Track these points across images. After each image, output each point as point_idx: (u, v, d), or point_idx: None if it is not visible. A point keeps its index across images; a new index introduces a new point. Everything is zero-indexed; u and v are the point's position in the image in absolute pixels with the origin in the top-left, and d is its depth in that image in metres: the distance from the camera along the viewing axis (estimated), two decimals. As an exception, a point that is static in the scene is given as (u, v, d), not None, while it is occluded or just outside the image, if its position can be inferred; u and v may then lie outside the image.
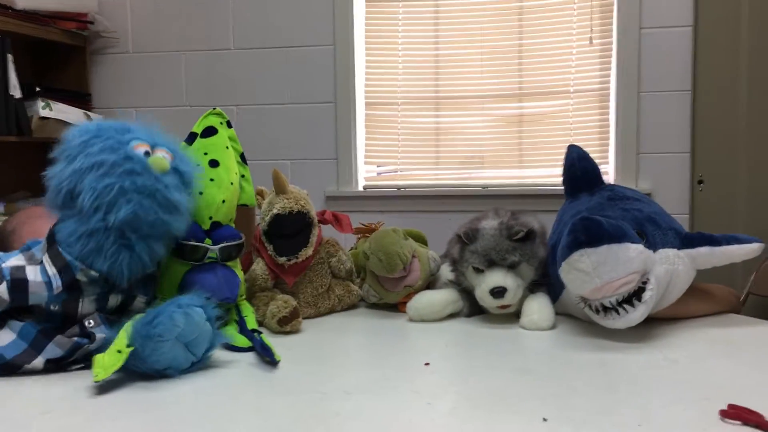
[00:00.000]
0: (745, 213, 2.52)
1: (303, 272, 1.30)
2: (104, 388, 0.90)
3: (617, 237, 1.03)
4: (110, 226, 0.93)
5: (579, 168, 1.31)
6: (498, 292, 1.19)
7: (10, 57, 2.48)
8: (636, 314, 1.05)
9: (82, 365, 0.97)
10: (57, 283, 0.94)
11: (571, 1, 2.72)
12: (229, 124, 1.26)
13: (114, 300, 1.01)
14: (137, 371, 0.92)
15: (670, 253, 1.12)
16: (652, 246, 1.11)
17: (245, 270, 1.29)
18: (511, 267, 1.20)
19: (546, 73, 2.76)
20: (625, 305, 1.05)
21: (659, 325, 1.18)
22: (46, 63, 2.96)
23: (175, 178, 1.01)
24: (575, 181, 1.32)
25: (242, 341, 1.08)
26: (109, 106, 3.02)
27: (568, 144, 1.37)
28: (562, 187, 1.35)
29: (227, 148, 1.22)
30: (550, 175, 2.77)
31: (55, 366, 0.96)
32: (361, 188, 2.91)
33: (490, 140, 2.82)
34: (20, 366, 0.94)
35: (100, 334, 0.97)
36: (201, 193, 1.13)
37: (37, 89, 2.66)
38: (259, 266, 1.28)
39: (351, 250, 1.50)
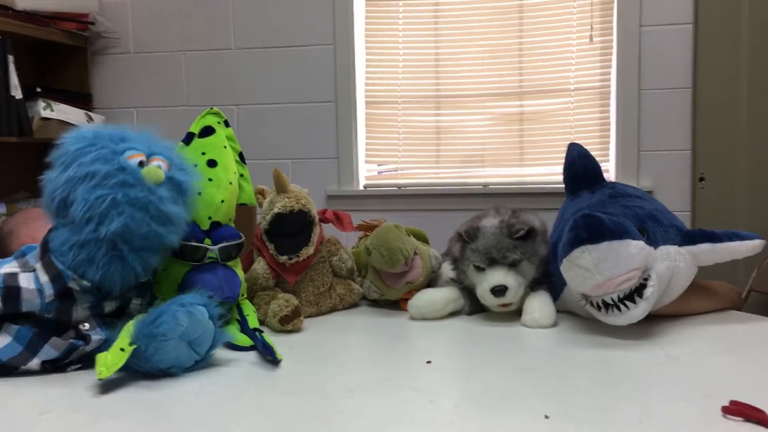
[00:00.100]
0: (746, 210, 2.52)
1: (304, 271, 1.30)
2: (105, 387, 0.90)
3: (618, 234, 1.03)
4: (102, 237, 0.93)
5: (580, 166, 1.31)
6: (499, 290, 1.19)
7: (10, 58, 2.48)
8: (637, 311, 1.05)
9: (80, 366, 0.98)
10: (49, 291, 0.94)
11: (572, -1, 2.72)
12: (226, 124, 1.26)
13: (109, 306, 1.01)
14: (141, 371, 0.92)
15: (671, 249, 1.12)
16: (654, 243, 1.11)
17: (246, 269, 1.29)
18: (512, 265, 1.20)
19: (546, 71, 2.76)
20: (626, 302, 1.05)
21: (660, 322, 1.18)
22: (46, 64, 2.95)
23: (171, 188, 1.00)
24: (576, 179, 1.32)
25: (244, 340, 1.08)
26: (110, 107, 3.02)
27: (568, 142, 1.37)
28: (563, 185, 1.35)
29: (225, 147, 1.22)
30: (551, 173, 2.77)
31: (51, 367, 0.96)
32: (361, 187, 2.90)
33: (490, 139, 2.82)
34: (16, 368, 0.94)
35: (95, 336, 0.97)
36: (199, 194, 1.13)
37: (38, 90, 2.66)
38: (260, 265, 1.28)
39: (353, 249, 1.50)
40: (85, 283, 0.95)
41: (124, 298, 1.02)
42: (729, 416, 0.76)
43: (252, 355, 1.04)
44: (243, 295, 1.21)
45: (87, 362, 0.97)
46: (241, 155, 1.29)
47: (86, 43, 2.95)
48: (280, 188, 1.28)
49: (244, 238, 1.17)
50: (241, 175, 1.27)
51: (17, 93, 2.52)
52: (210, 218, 1.14)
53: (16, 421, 0.79)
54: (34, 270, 0.96)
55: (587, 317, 1.21)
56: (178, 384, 0.91)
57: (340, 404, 0.82)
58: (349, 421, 0.77)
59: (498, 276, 1.19)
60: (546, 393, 0.85)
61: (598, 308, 1.08)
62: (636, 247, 1.04)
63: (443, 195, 2.80)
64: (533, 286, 1.25)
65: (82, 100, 2.91)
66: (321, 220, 1.35)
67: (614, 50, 2.67)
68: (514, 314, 1.24)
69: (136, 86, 3.01)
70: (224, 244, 1.13)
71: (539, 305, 1.20)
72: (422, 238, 1.47)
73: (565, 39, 2.74)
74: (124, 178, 0.94)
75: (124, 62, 3.02)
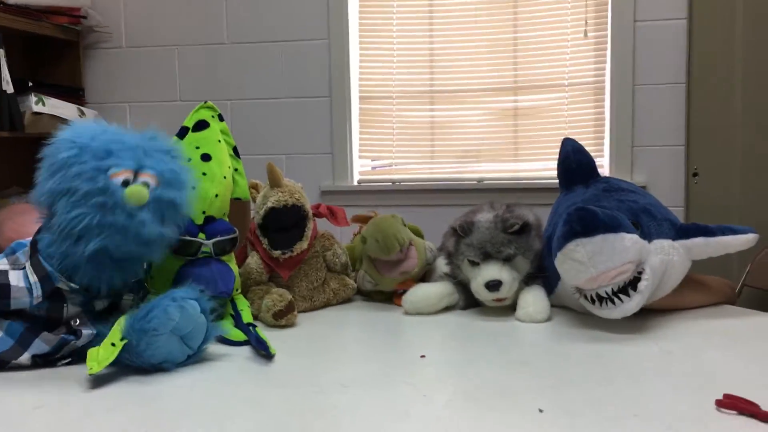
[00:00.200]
0: (739, 205, 2.52)
1: (298, 266, 1.30)
2: (98, 381, 0.89)
3: (612, 227, 1.03)
4: (81, 253, 0.91)
5: (574, 161, 1.31)
6: (493, 285, 1.19)
7: (1, 52, 2.47)
8: (631, 304, 1.05)
9: (70, 360, 0.97)
10: (38, 292, 0.94)
11: (566, -6, 2.72)
12: (220, 118, 1.26)
13: (100, 305, 1.00)
14: (133, 365, 0.92)
15: (665, 243, 1.13)
16: (647, 236, 1.11)
17: (240, 264, 1.29)
18: (507, 260, 1.20)
19: (541, 67, 2.76)
20: (620, 295, 1.05)
21: (655, 316, 1.18)
22: (38, 58, 2.94)
23: (156, 208, 0.95)
24: (570, 174, 1.32)
25: (237, 335, 1.08)
26: (103, 101, 3.01)
27: (563, 137, 1.37)
28: (557, 181, 1.35)
29: (219, 141, 1.21)
30: (546, 168, 2.77)
31: (42, 361, 0.95)
32: (356, 182, 2.90)
33: (485, 134, 2.82)
34: (7, 362, 0.94)
35: (87, 331, 0.97)
36: (194, 188, 1.12)
37: (30, 84, 2.65)
38: (253, 260, 1.28)
39: (347, 244, 1.50)
40: (72, 285, 0.94)
41: (116, 295, 1.02)
42: (723, 409, 0.76)
43: (245, 350, 1.04)
44: (237, 290, 1.21)
45: (78, 356, 0.97)
46: (235, 149, 1.28)
47: (78, 37, 2.93)
48: (274, 182, 1.27)
49: (238, 233, 1.17)
50: (236, 170, 1.26)
51: (8, 87, 2.50)
52: (204, 212, 1.13)
53: (9, 415, 0.79)
54: (24, 268, 0.95)
55: (581, 312, 1.21)
56: (170, 379, 0.90)
57: (335, 399, 0.82)
58: (343, 415, 0.77)
59: (492, 271, 1.19)
60: (540, 387, 0.85)
61: (592, 302, 1.08)
62: (630, 240, 1.04)
63: (438, 190, 2.80)
64: (527, 281, 1.24)
65: (75, 94, 2.90)
66: (315, 215, 1.34)
67: (609, 45, 2.67)
68: (509, 309, 1.24)
69: (129, 81, 3.00)
70: (218, 238, 1.13)
71: (533, 300, 1.20)
72: (417, 233, 1.46)
73: (559, 34, 2.73)
74: (104, 200, 0.91)
75: (117, 57, 3.00)
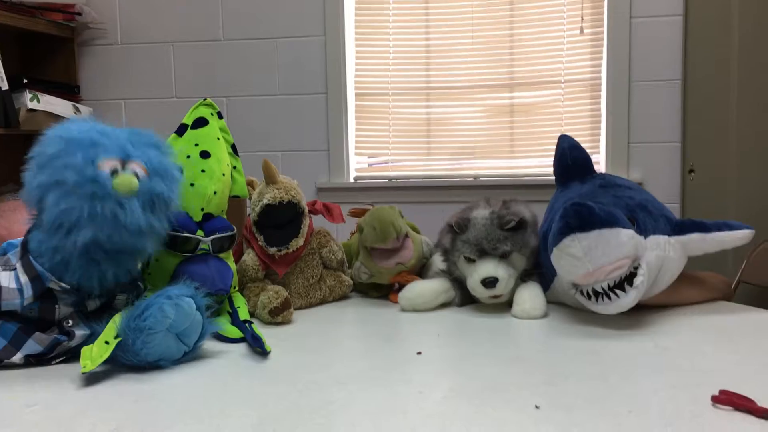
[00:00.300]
0: (735, 202, 2.53)
1: (294, 263, 1.30)
2: (92, 379, 0.89)
3: (608, 222, 1.03)
4: (72, 245, 0.91)
5: (570, 157, 1.31)
6: (490, 282, 1.19)
7: (-4, 48, 2.46)
8: (627, 299, 1.05)
9: (63, 359, 0.97)
10: (28, 293, 0.93)
11: (562, -9, 2.72)
12: (219, 115, 1.25)
13: (93, 304, 0.99)
14: (129, 363, 0.92)
15: (661, 239, 1.13)
16: (643, 232, 1.11)
17: (236, 261, 1.29)
18: (503, 256, 1.20)
19: (537, 63, 2.76)
20: (616, 290, 1.05)
21: (650, 312, 1.18)
22: (33, 55, 2.92)
23: (146, 197, 0.95)
24: (566, 171, 1.32)
25: (233, 332, 1.08)
26: (98, 99, 3.00)
27: (559, 134, 1.37)
28: (554, 177, 1.35)
29: (218, 139, 1.21)
30: (542, 164, 2.77)
31: (35, 361, 0.95)
32: (352, 179, 2.90)
33: (481, 130, 2.82)
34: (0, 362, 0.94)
35: (80, 332, 0.96)
36: (192, 185, 1.12)
37: (25, 81, 2.64)
38: (249, 257, 1.27)
39: (343, 242, 1.49)
40: (63, 284, 0.94)
41: (109, 295, 1.01)
42: (718, 405, 0.76)
43: (241, 347, 1.04)
44: (234, 287, 1.21)
45: (71, 355, 0.97)
46: (233, 147, 1.28)
47: (73, 33, 2.92)
48: (270, 179, 1.27)
49: (236, 230, 1.17)
50: (234, 167, 1.26)
51: (3, 84, 2.49)
52: (202, 209, 1.13)
53: (2, 413, 0.78)
54: (14, 269, 0.95)
55: (577, 308, 1.21)
56: (166, 376, 0.90)
57: (330, 395, 0.82)
58: (339, 411, 0.77)
59: (488, 267, 1.19)
60: (536, 383, 0.85)
61: (588, 297, 1.08)
62: (626, 235, 1.04)
63: (434, 187, 2.80)
64: (524, 277, 1.25)
65: (70, 91, 2.89)
66: (311, 212, 1.34)
67: (605, 42, 2.67)
68: (505, 305, 1.24)
69: (124, 78, 2.99)
70: (216, 235, 1.12)
71: (530, 296, 1.20)
72: (413, 230, 1.46)
73: (555, 31, 2.73)
74: (92, 189, 0.90)
75: (112, 53, 2.99)
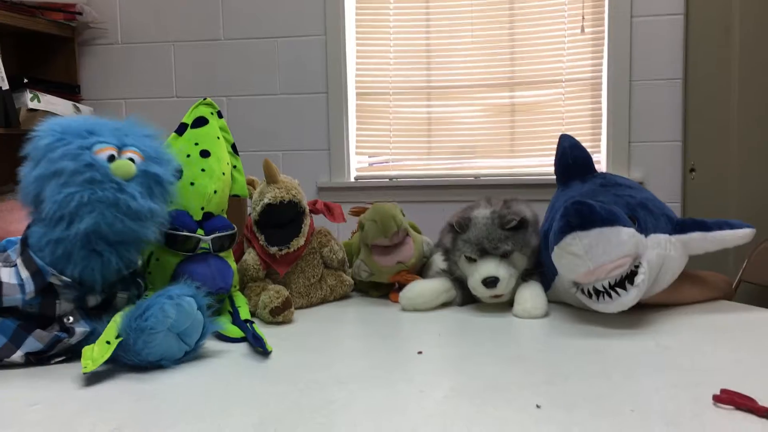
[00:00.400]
0: (736, 201, 2.53)
1: (295, 262, 1.30)
2: (93, 378, 0.89)
3: (609, 220, 1.03)
4: (74, 235, 0.91)
5: (571, 157, 1.31)
6: (490, 282, 1.19)
7: (-4, 48, 2.46)
8: (628, 298, 1.05)
9: (64, 358, 0.97)
10: (30, 288, 0.93)
11: (563, -10, 2.71)
12: (219, 115, 1.25)
13: (93, 300, 0.99)
14: (130, 363, 0.92)
15: (662, 238, 1.13)
16: (644, 231, 1.11)
17: (237, 260, 1.29)
18: (504, 256, 1.20)
19: (538, 62, 2.76)
20: (617, 288, 1.05)
21: (652, 311, 1.18)
22: (33, 54, 2.93)
23: (144, 182, 0.96)
24: (567, 170, 1.32)
25: (234, 331, 1.08)
26: (99, 98, 3.00)
27: (560, 133, 1.37)
28: (554, 176, 1.35)
29: (218, 138, 1.21)
30: (542, 164, 2.77)
31: (35, 359, 0.95)
32: (352, 179, 2.90)
33: (482, 130, 2.82)
34: (0, 360, 0.94)
35: (80, 329, 0.96)
36: (192, 184, 1.12)
37: (25, 81, 2.64)
38: (250, 256, 1.27)
39: (344, 242, 1.49)
40: (65, 278, 0.94)
41: (109, 292, 1.01)
42: (720, 404, 0.76)
43: (242, 347, 1.04)
44: (235, 286, 1.21)
45: (71, 354, 0.97)
46: (233, 146, 1.28)
47: (74, 33, 2.92)
48: (271, 179, 1.27)
49: (236, 229, 1.17)
50: (234, 167, 1.26)
51: (4, 84, 2.50)
52: (202, 208, 1.13)
53: (4, 413, 0.78)
54: (15, 265, 0.95)
55: (578, 307, 1.21)
56: (167, 375, 0.90)
57: (331, 395, 0.82)
58: (340, 411, 0.77)
59: (489, 267, 1.19)
60: (537, 382, 0.85)
61: (589, 295, 1.08)
62: (627, 234, 1.03)
63: (434, 186, 2.80)
64: (525, 277, 1.24)
65: (70, 91, 2.89)
66: (311, 211, 1.34)
67: (606, 41, 2.67)
68: (506, 305, 1.24)
69: (125, 77, 2.99)
70: (217, 234, 1.12)
71: (531, 296, 1.20)
72: (414, 230, 1.46)
73: (556, 30, 2.73)
74: (91, 175, 0.91)
75: (113, 53, 2.99)
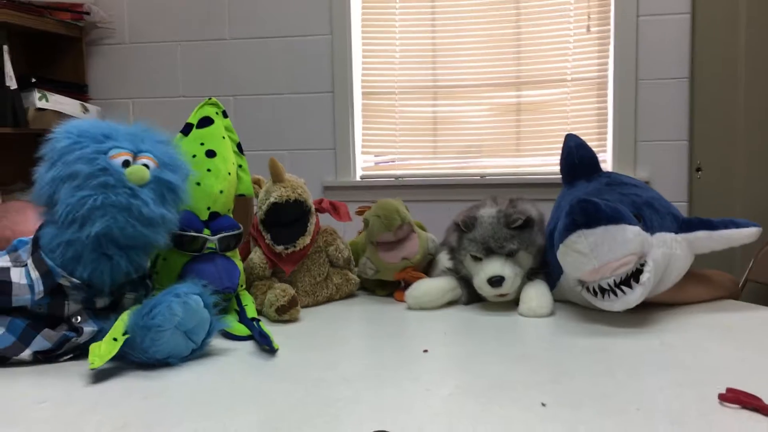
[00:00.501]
0: (742, 200, 2.52)
1: (301, 261, 1.30)
2: (100, 376, 0.90)
3: (615, 219, 1.03)
4: (86, 238, 0.91)
5: (577, 156, 1.31)
6: (496, 281, 1.19)
7: (5, 48, 2.47)
8: (634, 296, 1.05)
9: (71, 356, 0.98)
10: (39, 288, 0.94)
11: (569, -11, 2.71)
12: (225, 114, 1.26)
13: (102, 302, 1.00)
14: (138, 361, 0.92)
15: (667, 236, 1.12)
16: (650, 229, 1.11)
17: (243, 259, 1.29)
18: (510, 255, 1.20)
19: (543, 62, 2.75)
20: (622, 287, 1.05)
21: (657, 310, 1.18)
22: (41, 54, 2.94)
23: (157, 188, 0.97)
24: (573, 169, 1.32)
25: (241, 329, 1.08)
26: (106, 98, 3.01)
27: (566, 132, 1.37)
28: (560, 176, 1.35)
29: (223, 138, 1.22)
30: (548, 163, 2.77)
31: (43, 358, 0.96)
32: (358, 178, 2.90)
33: (487, 129, 2.82)
34: (8, 358, 0.94)
35: (88, 328, 0.97)
36: (198, 184, 1.13)
37: (33, 80, 2.65)
38: (256, 255, 1.28)
39: (350, 240, 1.50)
40: (74, 280, 0.94)
41: (117, 293, 1.02)
42: (726, 403, 0.76)
43: (249, 345, 1.04)
44: (242, 285, 1.21)
45: (79, 352, 0.97)
46: (239, 146, 1.28)
47: (81, 33, 2.93)
48: (276, 178, 1.27)
49: (242, 229, 1.17)
50: (240, 166, 1.27)
51: (12, 83, 2.51)
52: (209, 208, 1.14)
53: (12, 410, 0.79)
54: (26, 265, 0.95)
55: (584, 306, 1.21)
56: (174, 373, 0.91)
57: (337, 393, 0.82)
58: (346, 409, 0.77)
59: (495, 266, 1.19)
60: (543, 381, 0.85)
61: (594, 294, 1.08)
62: (632, 232, 1.03)
63: (440, 186, 2.80)
64: (530, 276, 1.24)
65: (78, 90, 2.90)
66: (317, 210, 1.35)
67: (611, 40, 2.67)
68: (511, 304, 1.24)
69: (132, 77, 3.00)
70: (223, 234, 1.13)
71: (536, 294, 1.20)
72: (420, 228, 1.46)
73: (562, 29, 2.73)
74: (105, 179, 0.92)
75: (120, 52, 3.00)
